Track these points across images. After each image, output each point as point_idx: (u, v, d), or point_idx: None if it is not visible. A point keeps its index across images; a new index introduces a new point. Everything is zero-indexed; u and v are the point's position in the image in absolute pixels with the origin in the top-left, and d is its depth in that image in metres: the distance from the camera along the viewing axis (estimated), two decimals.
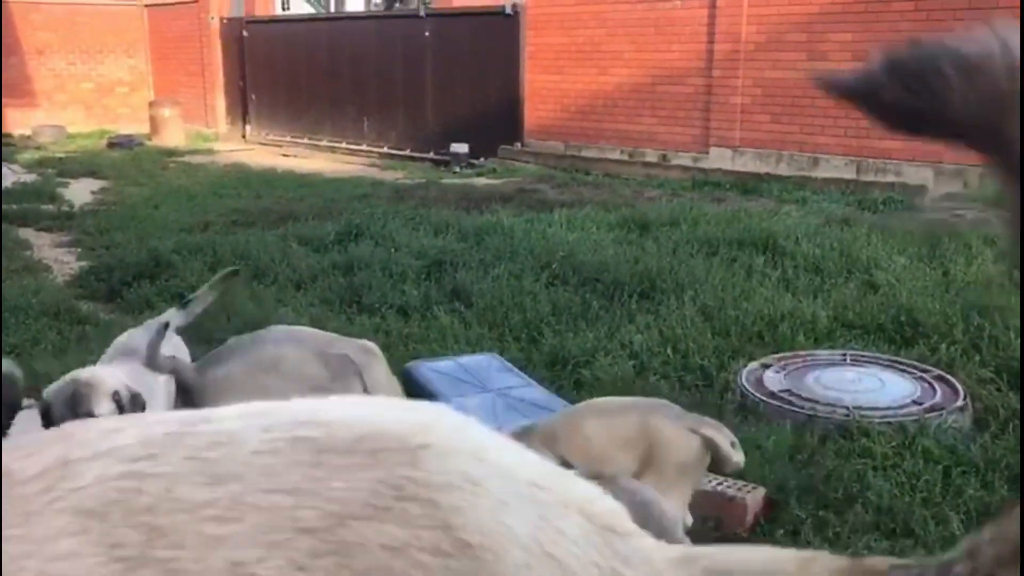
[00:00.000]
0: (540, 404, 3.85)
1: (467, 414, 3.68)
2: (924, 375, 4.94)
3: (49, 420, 3.32)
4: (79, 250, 9.14)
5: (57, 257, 8.91)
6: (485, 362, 4.40)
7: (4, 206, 10.99)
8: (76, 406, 3.29)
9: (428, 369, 4.17)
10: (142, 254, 8.13)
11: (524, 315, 6.22)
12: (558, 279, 7.03)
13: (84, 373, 3.49)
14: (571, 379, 5.04)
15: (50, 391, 3.43)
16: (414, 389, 4.18)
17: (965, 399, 4.61)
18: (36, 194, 12.08)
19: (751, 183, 11.74)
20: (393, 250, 7.80)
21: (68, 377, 3.45)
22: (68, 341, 6.11)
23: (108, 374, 3.52)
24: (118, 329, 6.32)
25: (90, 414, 3.24)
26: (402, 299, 6.68)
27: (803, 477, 3.89)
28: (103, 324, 6.58)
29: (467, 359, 4.55)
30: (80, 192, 12.62)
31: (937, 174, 11.97)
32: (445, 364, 4.33)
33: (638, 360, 5.34)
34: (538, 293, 6.63)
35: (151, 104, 19.79)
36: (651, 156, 14.55)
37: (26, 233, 9.86)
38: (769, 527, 3.65)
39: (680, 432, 3.28)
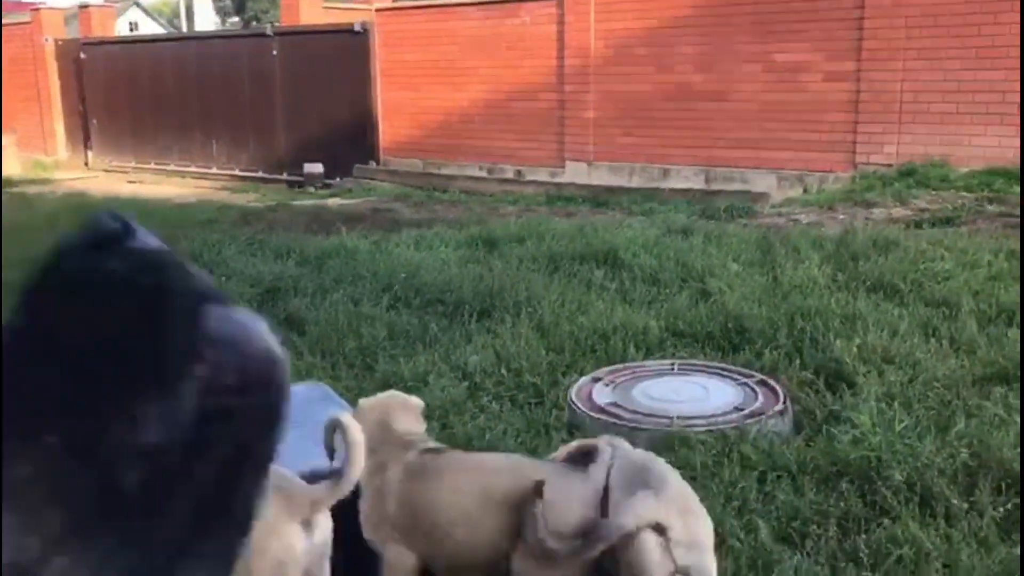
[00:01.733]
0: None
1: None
2: (748, 380, 4.99)
3: None
4: None
5: None
6: (307, 392, 4.18)
7: None
8: None
9: None
10: None
11: (360, 341, 6.01)
12: (399, 302, 6.85)
13: None
14: None
15: None
16: None
17: (785, 403, 4.68)
18: None
19: (603, 196, 11.89)
20: (224, 278, 7.45)
21: None
22: None
23: None
24: None
25: None
26: None
27: None
28: None
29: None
30: None
31: (780, 180, 12.44)
32: None
33: (471, 381, 5.22)
34: (376, 317, 6.43)
35: None
36: (509, 172, 14.59)
37: None
38: None
39: None
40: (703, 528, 2.57)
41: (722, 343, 5.63)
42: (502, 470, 2.82)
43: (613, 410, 4.69)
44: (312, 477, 2.68)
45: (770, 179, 12.50)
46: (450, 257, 8.12)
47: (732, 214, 10.15)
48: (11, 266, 8.71)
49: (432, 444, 3.05)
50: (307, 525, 2.47)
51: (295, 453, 3.48)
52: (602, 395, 4.86)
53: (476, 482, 2.76)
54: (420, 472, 2.85)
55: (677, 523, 2.47)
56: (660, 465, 2.72)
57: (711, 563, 2.56)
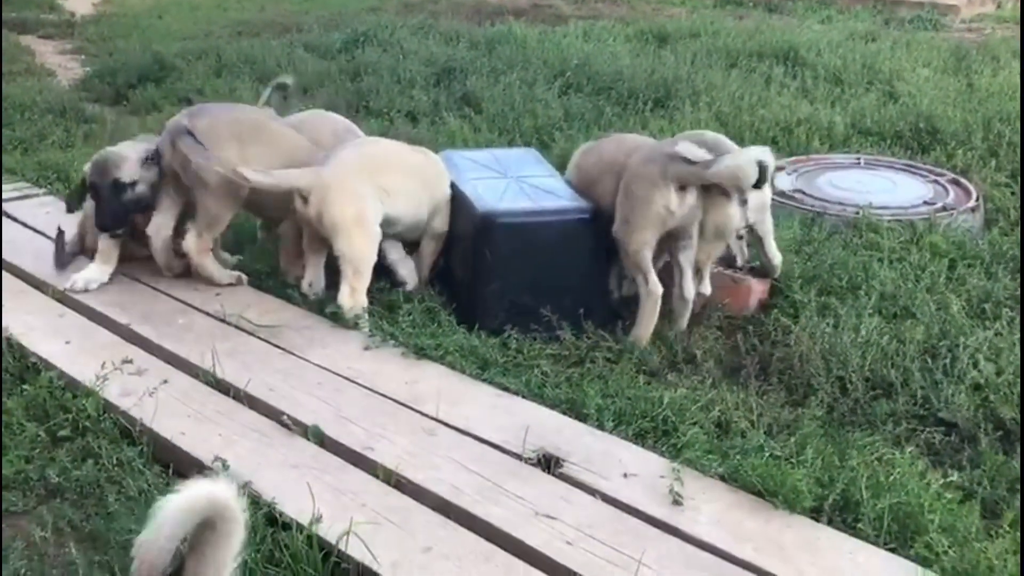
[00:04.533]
0: (550, 190, 3.81)
1: (475, 192, 3.66)
2: (938, 178, 4.87)
3: (85, 189, 3.92)
4: (82, 57, 8.93)
5: (61, 63, 8.72)
6: (520, 154, 4.36)
7: (3, 14, 10.71)
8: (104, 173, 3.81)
9: (458, 155, 4.18)
10: (146, 58, 7.94)
11: (535, 120, 6.11)
12: (571, 87, 6.86)
13: (111, 148, 3.99)
14: None
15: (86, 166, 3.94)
16: None
17: (978, 200, 4.57)
18: (34, 3, 11.69)
19: (775, 1, 11.25)
20: (401, 57, 7.59)
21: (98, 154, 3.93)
22: (74, 137, 6.06)
23: (129, 146, 3.98)
24: (125, 127, 6.31)
25: (117, 180, 3.78)
26: (411, 104, 6.56)
27: (808, 267, 3.91)
28: (109, 123, 6.53)
29: (503, 151, 4.54)
30: (80, 2, 12.22)
31: None
32: (479, 153, 4.36)
33: None
34: (550, 100, 6.49)
35: None
36: None
37: (27, 40, 9.62)
38: (771, 311, 3.69)
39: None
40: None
41: (911, 143, 5.46)
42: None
43: (798, 196, 4.69)
44: None
45: None
46: (620, 49, 7.97)
47: (919, 24, 9.48)
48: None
49: None
50: (680, 191, 3.44)
51: (492, 196, 3.69)
52: (786, 182, 4.84)
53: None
54: None
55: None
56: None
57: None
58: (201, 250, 3.82)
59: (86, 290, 3.80)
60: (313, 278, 3.76)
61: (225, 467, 2.64)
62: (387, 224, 3.70)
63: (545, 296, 3.50)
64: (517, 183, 3.87)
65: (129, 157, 3.84)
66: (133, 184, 3.82)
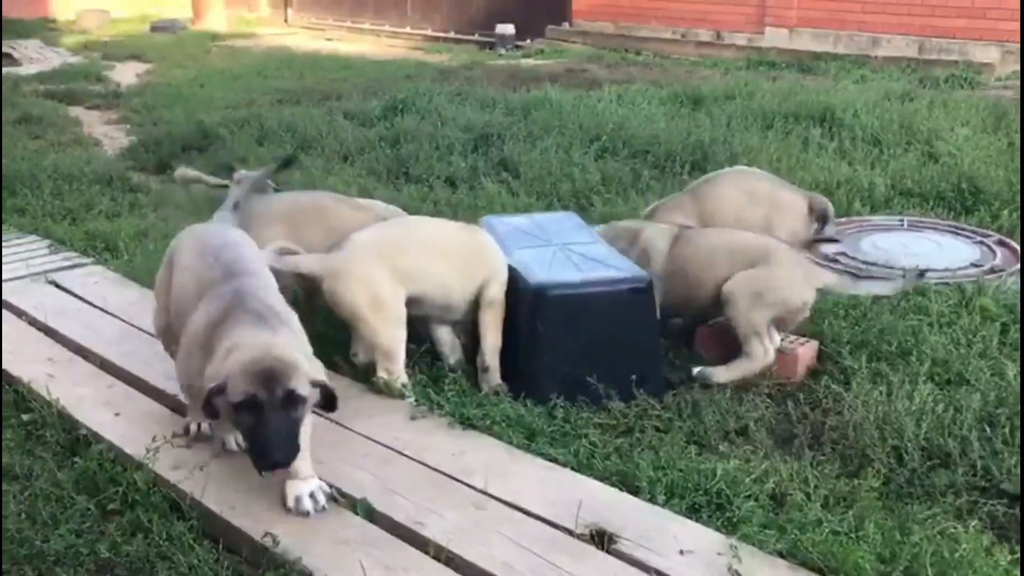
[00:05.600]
0: (598, 258, 3.78)
1: (523, 264, 3.63)
2: (984, 240, 4.82)
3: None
4: (127, 126, 9.17)
5: (107, 133, 8.96)
6: (560, 219, 4.32)
7: (54, 86, 11.06)
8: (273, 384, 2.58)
9: (499, 222, 4.17)
10: (190, 128, 8.15)
11: (573, 184, 6.16)
12: (608, 151, 6.91)
13: (276, 348, 2.67)
14: None
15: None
16: None
17: None
18: (83, 75, 12.09)
19: (808, 62, 11.33)
20: (439, 123, 7.71)
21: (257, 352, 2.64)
22: (120, 207, 6.19)
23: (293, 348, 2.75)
24: (169, 197, 6.45)
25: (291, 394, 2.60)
26: (449, 170, 6.64)
27: (856, 332, 3.85)
28: (154, 192, 6.67)
29: (543, 216, 4.51)
30: (126, 73, 12.61)
31: (1004, 53, 11.43)
32: (518, 219, 4.33)
33: None
34: (587, 164, 6.54)
35: None
36: (704, 36, 14.06)
37: (75, 111, 9.91)
38: (820, 377, 3.63)
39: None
40: None
41: (954, 204, 5.42)
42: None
43: (842, 260, 4.65)
44: None
45: (992, 51, 11.50)
46: (654, 112, 8.03)
47: (954, 83, 9.48)
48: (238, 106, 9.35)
49: None
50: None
51: (538, 267, 3.68)
52: (829, 246, 4.81)
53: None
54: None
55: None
56: None
57: None
58: None
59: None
60: (360, 348, 3.74)
61: (276, 543, 2.61)
62: (412, 304, 3.59)
63: (597, 366, 3.46)
64: (563, 251, 3.86)
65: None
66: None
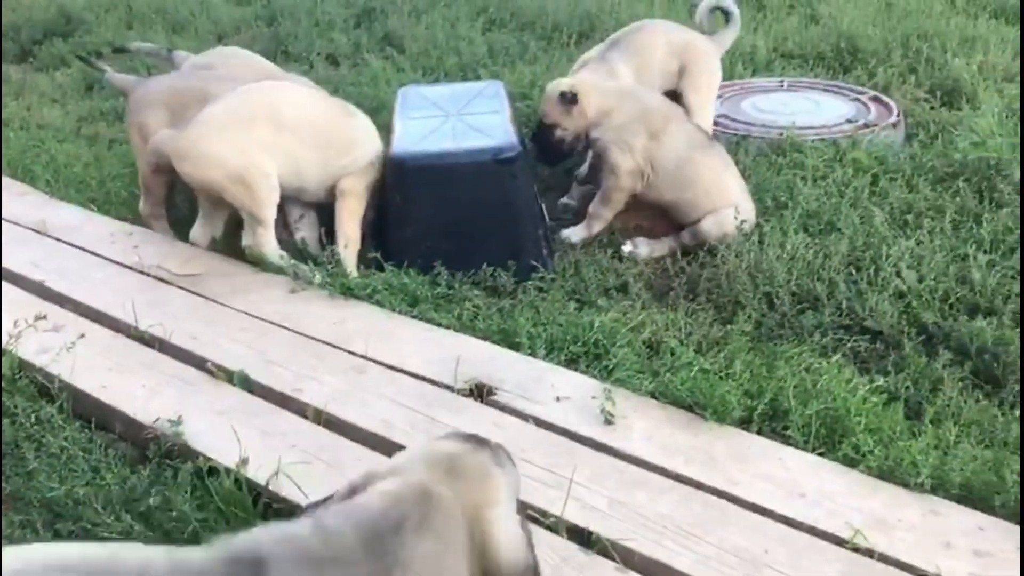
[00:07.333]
0: (481, 128, 3.67)
1: (399, 134, 3.51)
2: (860, 96, 4.92)
3: None
4: None
5: None
6: (480, 89, 4.13)
7: None
8: None
9: (414, 92, 4.02)
10: (51, 12, 7.59)
11: (460, 58, 6.00)
12: (495, 23, 6.74)
13: None
14: None
15: None
16: None
17: (898, 116, 4.62)
18: None
19: None
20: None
21: None
22: None
23: None
24: (32, 85, 6.05)
25: None
26: (331, 47, 6.39)
27: None
28: (15, 81, 6.25)
29: (465, 85, 4.32)
30: None
31: None
32: (439, 89, 4.17)
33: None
34: (474, 37, 6.36)
35: None
36: None
37: None
38: None
39: None
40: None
41: (833, 63, 5.50)
42: None
43: (722, 121, 4.69)
44: None
45: None
46: None
47: None
48: None
49: None
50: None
51: (414, 137, 3.60)
52: None
53: None
54: None
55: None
56: None
57: None
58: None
59: None
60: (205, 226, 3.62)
61: (152, 418, 2.57)
62: None
63: (464, 240, 3.39)
64: (453, 121, 3.75)
65: None
66: None
